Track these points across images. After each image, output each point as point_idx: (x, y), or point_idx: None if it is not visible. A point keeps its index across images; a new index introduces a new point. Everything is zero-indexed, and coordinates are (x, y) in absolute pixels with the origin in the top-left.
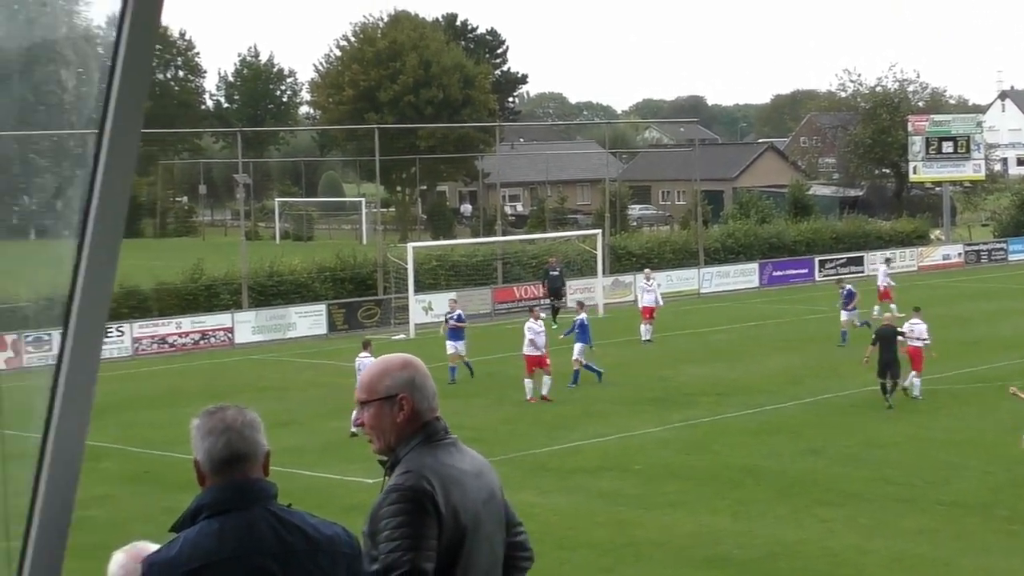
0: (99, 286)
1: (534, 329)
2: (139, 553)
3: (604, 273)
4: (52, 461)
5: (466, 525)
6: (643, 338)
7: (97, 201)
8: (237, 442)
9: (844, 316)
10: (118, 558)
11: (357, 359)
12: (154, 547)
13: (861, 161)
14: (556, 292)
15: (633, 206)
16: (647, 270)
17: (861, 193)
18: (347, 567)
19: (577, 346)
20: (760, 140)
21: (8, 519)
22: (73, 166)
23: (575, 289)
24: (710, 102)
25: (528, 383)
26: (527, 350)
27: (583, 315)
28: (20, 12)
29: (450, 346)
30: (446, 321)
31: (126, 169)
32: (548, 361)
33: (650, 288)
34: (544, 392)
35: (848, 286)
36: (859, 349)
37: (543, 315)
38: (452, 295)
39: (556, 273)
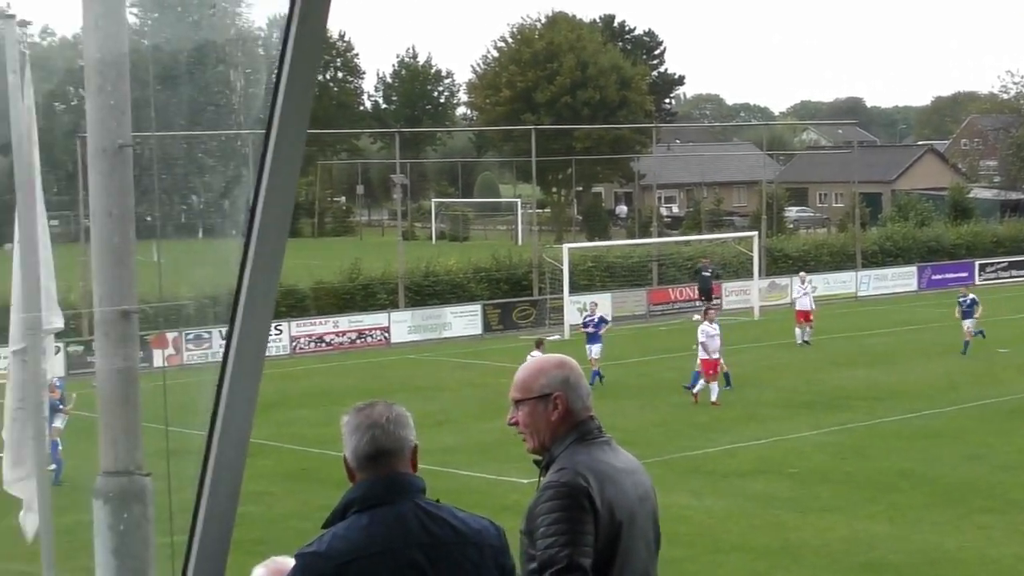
0: (265, 284)
1: (708, 332)
2: (279, 568)
3: (760, 275)
4: (218, 457)
5: (622, 521)
6: (798, 341)
7: (264, 200)
8: (382, 438)
9: (966, 325)
10: (258, 572)
11: (529, 358)
12: (291, 562)
13: None
14: (707, 293)
15: (790, 208)
16: (802, 273)
17: (1023, 196)
18: (495, 559)
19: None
20: (920, 142)
21: (172, 514)
22: (240, 166)
23: (731, 291)
24: (869, 104)
25: (707, 385)
26: (702, 353)
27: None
28: (188, 15)
29: (586, 350)
30: (584, 325)
31: (292, 169)
32: (718, 367)
33: (806, 291)
34: (713, 398)
35: (970, 295)
36: (981, 359)
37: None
38: (594, 299)
39: (707, 274)
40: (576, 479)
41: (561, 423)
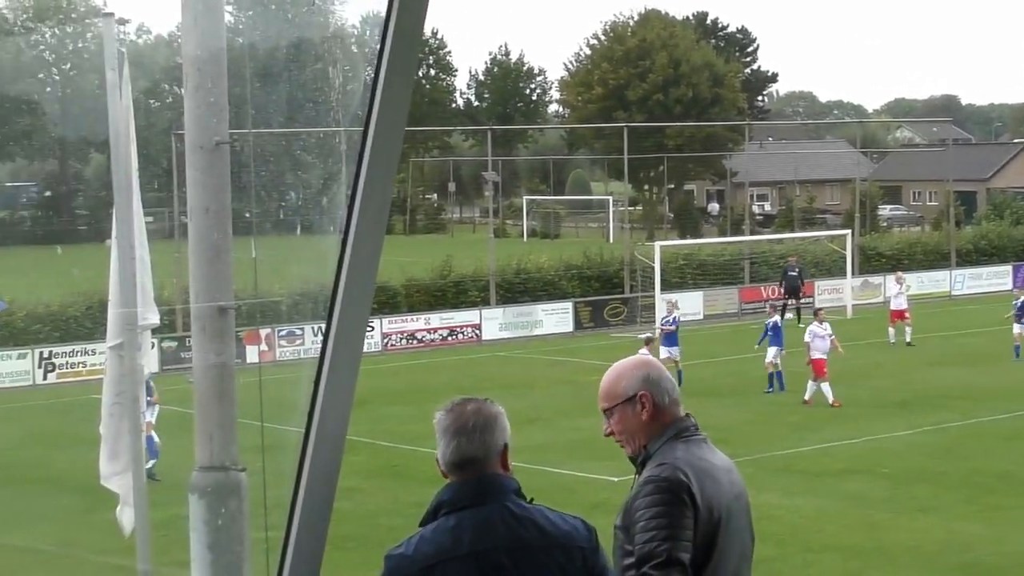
0: (362, 281)
1: (816, 332)
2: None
3: (853, 274)
4: (315, 453)
5: (720, 519)
6: (891, 340)
7: (361, 197)
8: (466, 446)
9: (1016, 329)
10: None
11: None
12: None
13: None
14: (794, 292)
15: (883, 206)
16: (899, 273)
17: None
18: (583, 562)
19: (771, 350)
20: (1015, 140)
21: (267, 509)
22: (338, 162)
23: (823, 290)
24: (964, 101)
25: (812, 386)
26: (813, 354)
27: (775, 318)
28: (285, 12)
29: (663, 351)
30: (662, 325)
31: (389, 166)
32: (826, 368)
33: (901, 291)
34: (831, 399)
35: (1023, 298)
36: None
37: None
38: (672, 298)
39: (795, 273)
40: (676, 474)
41: (652, 421)
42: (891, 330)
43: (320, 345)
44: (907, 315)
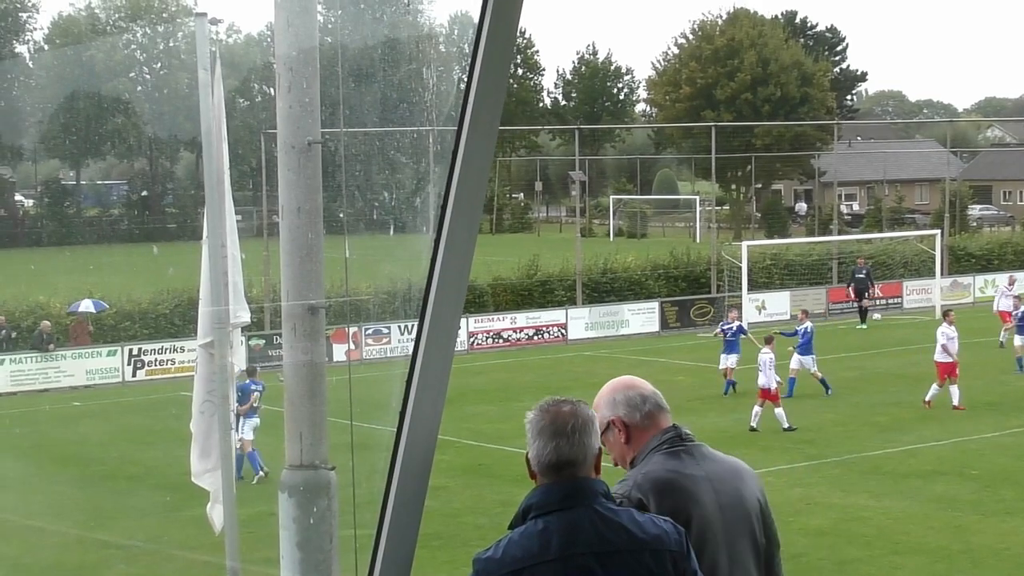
0: (455, 281)
1: (947, 334)
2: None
3: (942, 274)
4: (406, 451)
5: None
6: (1001, 339)
7: (454, 197)
8: (566, 448)
9: (1019, 341)
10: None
11: (759, 355)
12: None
13: None
14: (861, 294)
15: (973, 206)
16: (1012, 275)
17: None
18: (673, 565)
19: (799, 358)
20: None
21: (356, 507)
22: (431, 162)
23: (912, 290)
24: None
25: (935, 389)
26: (939, 356)
27: (808, 323)
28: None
29: (722, 359)
30: (723, 332)
31: (483, 165)
32: (958, 370)
33: (1010, 293)
34: (955, 402)
35: None
36: None
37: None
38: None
39: (862, 275)
40: (630, 491)
41: (631, 441)
42: (1003, 332)
43: (412, 344)
44: (1009, 318)
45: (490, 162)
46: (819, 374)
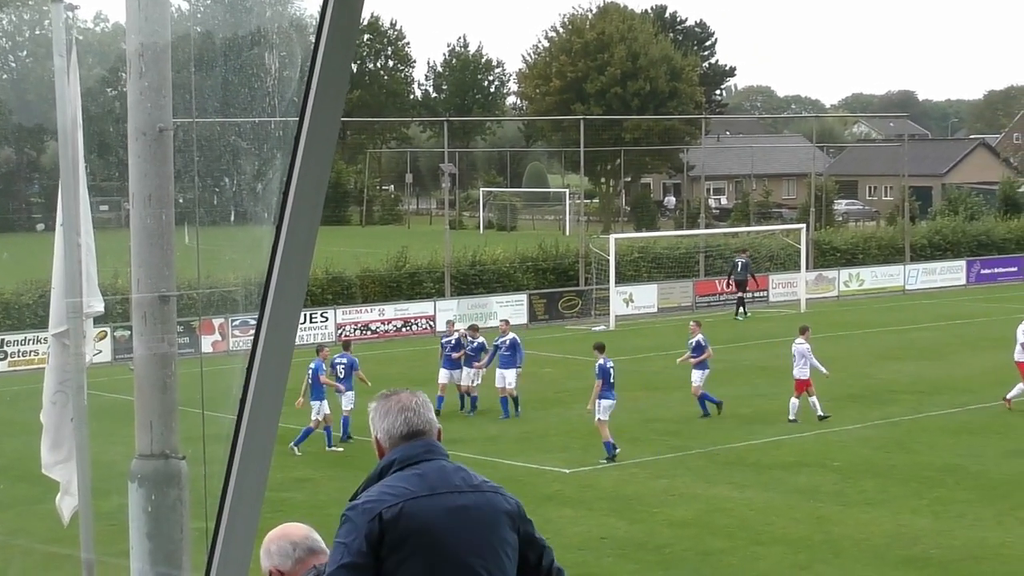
0: (296, 271)
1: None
2: (284, 532)
3: (808, 268)
4: (246, 442)
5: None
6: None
7: (296, 186)
8: (415, 419)
9: (696, 379)
10: (268, 536)
11: (793, 346)
12: (302, 527)
13: None
14: (741, 285)
15: (839, 201)
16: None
17: None
18: (517, 508)
19: (502, 372)
20: (971, 136)
21: (207, 498)
22: (274, 149)
23: (778, 284)
24: (921, 97)
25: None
26: (1019, 356)
27: (511, 335)
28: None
29: (443, 375)
30: (496, 347)
31: (325, 155)
32: None
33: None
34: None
35: None
36: None
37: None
38: (451, 317)
39: (741, 268)
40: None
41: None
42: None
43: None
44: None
45: (333, 151)
46: (515, 392)
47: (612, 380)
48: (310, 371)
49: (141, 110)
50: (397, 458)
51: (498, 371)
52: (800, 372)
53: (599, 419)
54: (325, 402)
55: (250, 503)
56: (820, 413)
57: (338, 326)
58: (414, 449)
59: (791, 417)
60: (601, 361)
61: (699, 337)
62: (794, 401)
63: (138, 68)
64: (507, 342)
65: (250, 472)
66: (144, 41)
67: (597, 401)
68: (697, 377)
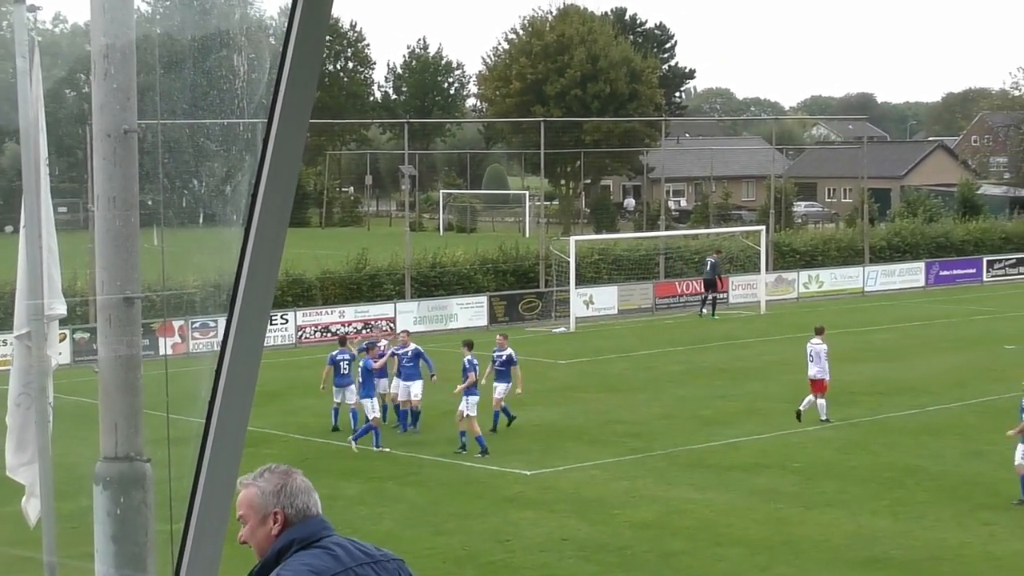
0: (265, 272)
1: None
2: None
3: (767, 270)
4: (215, 444)
5: None
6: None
7: (265, 188)
8: (311, 501)
9: (499, 391)
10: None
11: (809, 345)
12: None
13: None
14: (709, 286)
15: (798, 203)
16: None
17: None
18: (408, 572)
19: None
20: (930, 138)
21: (172, 501)
22: (242, 151)
23: (737, 285)
24: (880, 99)
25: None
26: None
27: (414, 345)
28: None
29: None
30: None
31: (294, 157)
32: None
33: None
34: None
35: None
36: (988, 356)
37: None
38: (403, 330)
39: (709, 268)
40: None
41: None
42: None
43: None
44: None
45: (301, 153)
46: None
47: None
48: (360, 368)
49: (106, 112)
50: (296, 538)
51: (402, 383)
52: (818, 372)
53: (468, 415)
54: (375, 400)
55: (219, 505)
56: (823, 417)
57: (298, 328)
58: (312, 527)
59: (823, 417)
60: (469, 357)
61: (509, 351)
62: (822, 401)
63: (103, 69)
64: (409, 353)
65: (219, 474)
66: (109, 42)
67: (465, 398)
68: (500, 390)
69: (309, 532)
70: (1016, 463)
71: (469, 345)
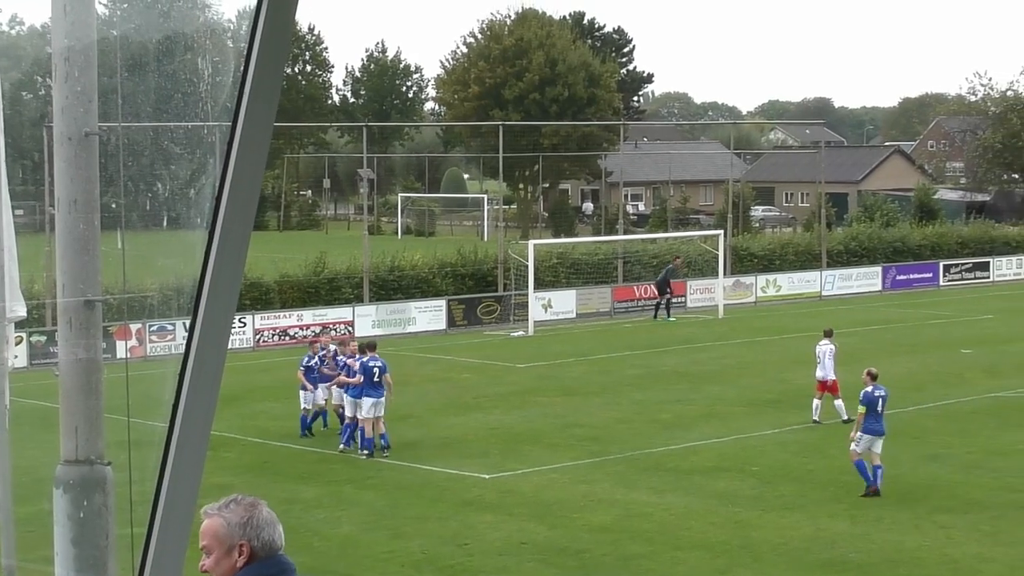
0: (229, 276)
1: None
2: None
3: (725, 274)
4: (178, 448)
5: None
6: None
7: (229, 191)
8: (278, 534)
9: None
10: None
11: (817, 347)
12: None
13: (990, 166)
14: (661, 290)
15: (756, 207)
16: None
17: (988, 198)
18: None
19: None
20: (887, 143)
21: (133, 505)
22: (206, 155)
23: (695, 289)
24: (836, 104)
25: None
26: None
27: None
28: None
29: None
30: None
31: (258, 160)
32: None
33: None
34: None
35: None
36: (945, 360)
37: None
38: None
39: (663, 272)
40: None
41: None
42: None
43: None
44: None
45: (266, 156)
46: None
47: (375, 379)
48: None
49: (67, 114)
50: (268, 574)
51: (347, 396)
52: (826, 373)
53: (377, 416)
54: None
55: (183, 508)
56: (843, 417)
57: (256, 331)
58: (279, 566)
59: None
60: (364, 359)
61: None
62: (838, 402)
63: (64, 72)
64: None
65: (183, 477)
66: (71, 44)
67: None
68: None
69: (276, 571)
70: (851, 449)
71: (372, 347)
